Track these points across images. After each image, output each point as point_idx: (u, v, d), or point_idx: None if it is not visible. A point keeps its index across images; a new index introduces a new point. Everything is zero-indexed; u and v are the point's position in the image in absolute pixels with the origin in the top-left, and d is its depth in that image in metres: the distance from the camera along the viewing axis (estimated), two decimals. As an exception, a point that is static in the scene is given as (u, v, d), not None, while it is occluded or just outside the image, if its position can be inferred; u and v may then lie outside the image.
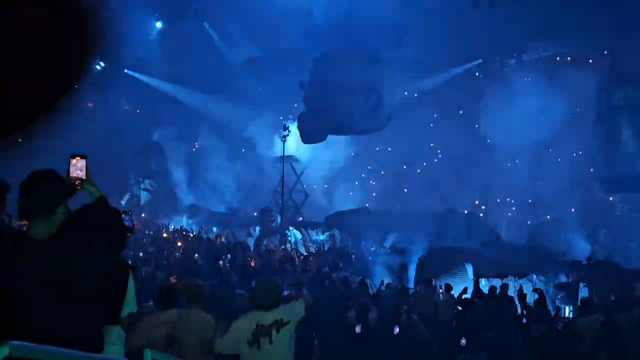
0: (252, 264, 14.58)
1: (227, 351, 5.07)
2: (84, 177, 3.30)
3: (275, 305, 5.07)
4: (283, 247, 21.08)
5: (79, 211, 3.51)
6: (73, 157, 3.32)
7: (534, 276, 16.23)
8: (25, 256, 2.84)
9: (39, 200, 2.91)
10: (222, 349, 5.08)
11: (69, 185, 3.18)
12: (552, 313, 12.97)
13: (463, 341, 7.98)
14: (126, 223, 4.03)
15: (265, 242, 21.93)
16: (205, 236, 23.34)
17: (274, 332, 4.92)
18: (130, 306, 3.82)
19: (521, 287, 12.56)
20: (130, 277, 3.78)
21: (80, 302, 2.90)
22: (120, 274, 3.71)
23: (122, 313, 3.77)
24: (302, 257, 17.90)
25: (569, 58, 28.99)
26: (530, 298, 12.05)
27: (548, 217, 25.43)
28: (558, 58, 28.96)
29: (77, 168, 3.30)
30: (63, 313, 2.84)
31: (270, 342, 4.91)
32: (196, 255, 16.26)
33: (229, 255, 16.63)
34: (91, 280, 2.96)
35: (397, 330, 9.34)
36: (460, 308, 11.18)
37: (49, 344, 2.33)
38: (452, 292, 12.07)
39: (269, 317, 4.98)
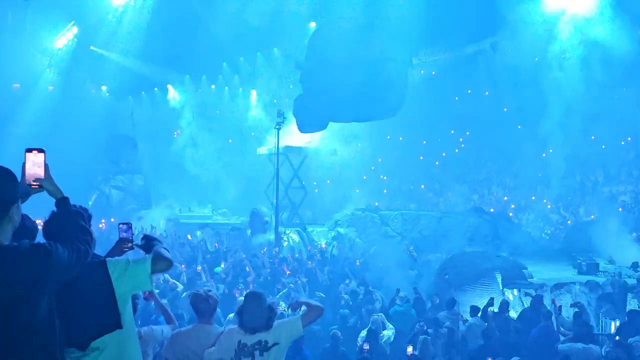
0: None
1: None
2: (42, 175, 3.24)
3: (264, 329, 5.22)
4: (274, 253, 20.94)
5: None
6: (29, 151, 3.24)
7: (574, 286, 16.22)
8: None
9: None
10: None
11: (22, 186, 3.15)
12: (597, 329, 13.04)
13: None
14: (125, 235, 4.26)
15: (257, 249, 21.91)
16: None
17: (257, 354, 5.11)
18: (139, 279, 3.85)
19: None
20: (113, 267, 3.79)
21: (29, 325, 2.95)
22: (96, 278, 3.74)
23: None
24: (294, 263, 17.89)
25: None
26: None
27: (592, 216, 25.33)
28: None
29: (35, 164, 3.23)
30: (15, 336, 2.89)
31: None
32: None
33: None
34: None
35: (409, 349, 9.32)
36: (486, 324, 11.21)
37: None
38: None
39: (253, 337, 5.19)
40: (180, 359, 5.67)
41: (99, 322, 3.71)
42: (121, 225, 4.30)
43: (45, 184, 3.27)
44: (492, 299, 12.52)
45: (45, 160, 3.25)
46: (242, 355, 5.11)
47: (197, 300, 5.79)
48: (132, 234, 4.30)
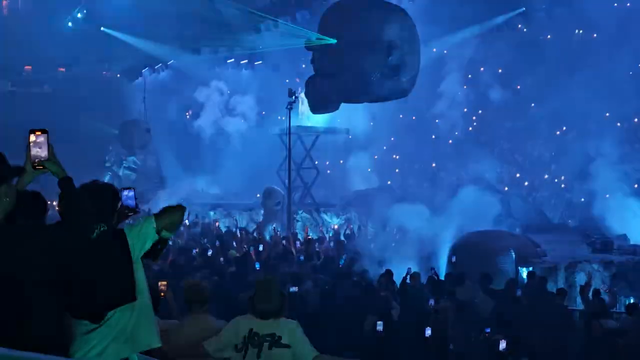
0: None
1: (215, 354, 5.13)
2: (45, 156, 3.25)
3: (276, 314, 5.05)
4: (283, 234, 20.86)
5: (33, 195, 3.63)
6: (32, 132, 3.25)
7: (589, 264, 16.15)
8: None
9: None
10: (210, 349, 5.14)
11: (10, 167, 3.15)
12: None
13: (502, 345, 7.77)
14: (128, 202, 4.07)
15: (270, 229, 21.92)
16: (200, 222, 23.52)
17: (265, 346, 4.92)
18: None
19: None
20: (129, 234, 3.64)
21: (28, 297, 2.98)
22: (114, 248, 3.61)
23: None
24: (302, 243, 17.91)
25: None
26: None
27: (607, 195, 25.02)
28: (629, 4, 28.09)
29: (37, 145, 3.24)
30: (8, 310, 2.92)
31: (258, 356, 4.93)
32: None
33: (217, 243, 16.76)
34: (42, 269, 3.04)
35: (428, 332, 9.08)
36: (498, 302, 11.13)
37: None
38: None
39: (265, 327, 4.99)
40: (174, 352, 5.56)
41: (114, 293, 3.59)
42: (125, 191, 4.05)
43: (49, 164, 3.28)
44: (487, 274, 12.30)
45: (48, 141, 3.25)
46: (251, 343, 4.93)
47: (189, 291, 5.69)
48: (136, 199, 4.13)
